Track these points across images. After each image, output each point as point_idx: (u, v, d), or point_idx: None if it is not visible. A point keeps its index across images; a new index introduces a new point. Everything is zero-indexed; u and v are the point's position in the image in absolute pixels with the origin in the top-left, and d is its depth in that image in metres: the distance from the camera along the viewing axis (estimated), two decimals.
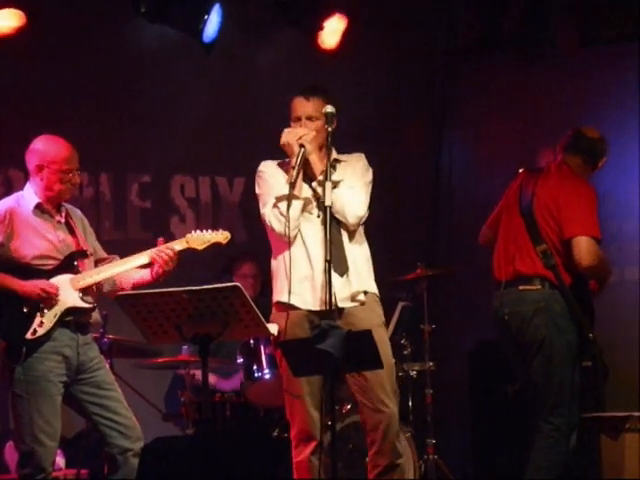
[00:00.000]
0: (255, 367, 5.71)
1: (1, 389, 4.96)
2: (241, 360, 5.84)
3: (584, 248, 4.88)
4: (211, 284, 3.95)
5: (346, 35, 6.62)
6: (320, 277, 4.26)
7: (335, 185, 4.30)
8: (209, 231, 4.58)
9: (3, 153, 6.05)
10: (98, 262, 4.68)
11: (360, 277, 4.42)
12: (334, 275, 4.21)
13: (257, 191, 4.54)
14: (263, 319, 4.05)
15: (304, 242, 4.38)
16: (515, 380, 5.52)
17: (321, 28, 6.59)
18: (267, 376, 5.69)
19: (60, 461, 5.42)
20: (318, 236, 4.31)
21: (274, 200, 4.38)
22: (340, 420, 5.35)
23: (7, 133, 6.02)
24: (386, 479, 4.35)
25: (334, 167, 4.40)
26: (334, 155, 4.43)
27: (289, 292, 4.29)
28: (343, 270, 4.35)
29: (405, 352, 5.95)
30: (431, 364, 5.95)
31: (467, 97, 7.24)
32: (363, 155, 4.58)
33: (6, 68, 6.03)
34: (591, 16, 6.40)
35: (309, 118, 4.41)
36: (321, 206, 4.27)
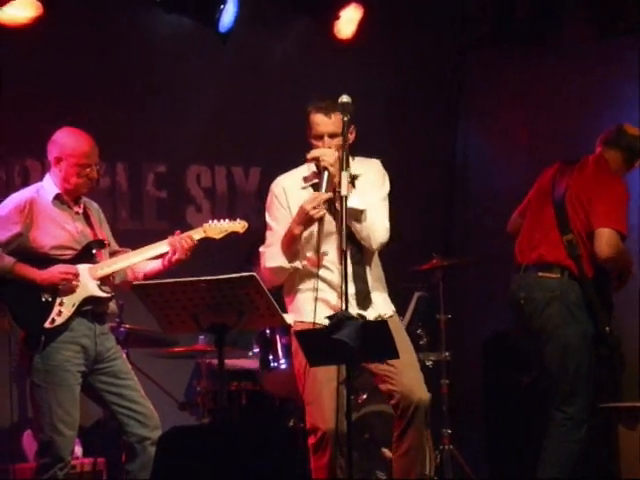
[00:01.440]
0: (271, 357, 5.72)
1: (20, 378, 5.00)
2: (257, 350, 5.85)
3: (605, 240, 4.89)
4: (230, 274, 3.96)
5: (362, 24, 6.61)
6: (338, 302, 4.22)
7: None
8: (227, 220, 4.60)
9: (20, 143, 6.06)
10: (111, 255, 4.70)
11: (380, 303, 4.42)
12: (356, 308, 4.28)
13: (267, 216, 4.47)
14: (279, 309, 4.06)
15: (324, 265, 4.33)
16: (530, 370, 5.52)
17: (337, 17, 6.58)
18: (283, 366, 5.69)
19: (78, 450, 5.44)
20: (337, 257, 4.29)
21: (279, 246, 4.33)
22: (356, 410, 5.35)
23: (24, 123, 6.03)
24: (407, 459, 4.35)
25: (353, 184, 4.32)
26: (351, 171, 4.32)
27: (313, 312, 4.23)
28: (367, 305, 4.36)
29: (421, 342, 5.94)
30: (447, 354, 5.95)
31: (481, 87, 7.22)
32: (379, 163, 4.51)
33: (22, 58, 6.04)
34: (603, 8, 6.37)
35: (332, 136, 4.33)
36: (338, 219, 4.23)
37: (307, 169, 4.44)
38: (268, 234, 4.44)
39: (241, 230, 4.58)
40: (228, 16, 6.34)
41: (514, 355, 6.05)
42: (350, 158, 4.31)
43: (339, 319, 3.87)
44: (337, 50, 6.59)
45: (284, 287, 4.47)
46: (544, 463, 4.95)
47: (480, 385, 6.69)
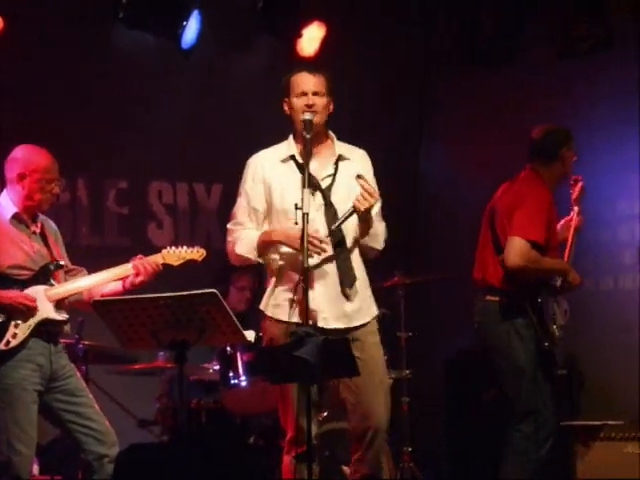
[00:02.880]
0: (231, 374, 5.70)
1: None
2: (217, 367, 5.82)
3: (512, 248, 4.85)
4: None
5: (325, 43, 6.63)
6: (329, 291, 4.22)
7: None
8: (184, 247, 4.59)
9: None
10: (66, 273, 4.66)
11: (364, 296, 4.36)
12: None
13: (240, 188, 4.41)
14: (240, 326, 4.05)
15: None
16: (490, 387, 5.55)
17: (300, 35, 6.60)
18: (243, 383, 5.68)
19: (34, 468, 5.37)
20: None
21: (248, 219, 4.30)
22: (316, 427, 5.33)
23: None
24: None
25: (337, 165, 4.32)
26: (336, 151, 4.35)
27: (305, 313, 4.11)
28: (351, 282, 4.29)
29: None
30: (408, 372, 5.96)
31: (446, 107, 7.26)
32: (366, 155, 4.47)
33: None
34: (565, 29, 6.46)
35: (316, 93, 4.29)
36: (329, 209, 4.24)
37: (287, 145, 4.37)
38: (236, 207, 4.37)
39: (199, 258, 4.57)
40: (191, 32, 6.35)
41: (475, 373, 6.07)
42: (328, 133, 4.35)
43: (300, 336, 3.87)
44: (301, 68, 6.60)
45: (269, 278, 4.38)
46: None
47: (441, 403, 6.71)
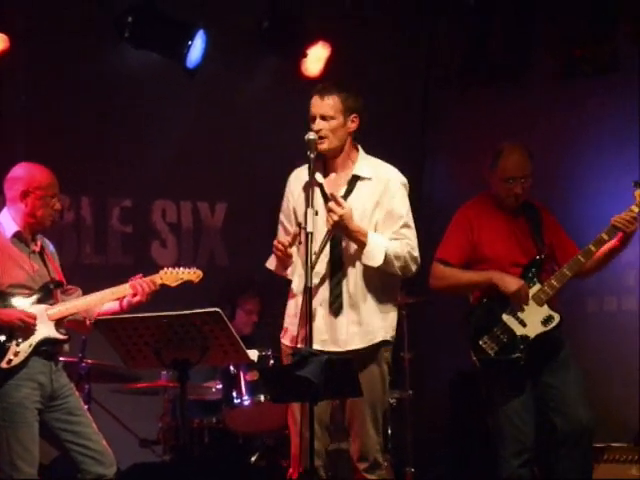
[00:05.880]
0: (234, 393, 5.69)
1: None
2: (220, 386, 5.81)
3: (431, 271, 4.96)
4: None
5: (329, 62, 6.65)
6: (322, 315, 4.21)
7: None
8: (182, 268, 4.60)
9: None
10: (62, 293, 4.65)
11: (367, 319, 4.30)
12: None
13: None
14: (243, 345, 4.05)
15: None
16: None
17: (304, 55, 6.62)
18: (246, 402, 5.67)
19: None
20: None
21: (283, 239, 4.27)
22: None
23: None
24: None
25: (351, 186, 4.28)
26: (353, 170, 4.31)
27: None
28: (338, 311, 4.25)
29: None
30: (410, 392, 5.94)
31: (449, 125, 7.27)
32: (397, 174, 4.42)
33: None
34: (571, 49, 6.48)
35: (323, 117, 4.25)
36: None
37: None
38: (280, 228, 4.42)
39: (196, 280, 4.57)
40: (196, 52, 6.37)
41: (478, 393, 6.05)
42: (356, 150, 4.33)
43: (303, 356, 3.86)
44: (305, 88, 6.62)
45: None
46: None
47: (444, 423, 6.68)
